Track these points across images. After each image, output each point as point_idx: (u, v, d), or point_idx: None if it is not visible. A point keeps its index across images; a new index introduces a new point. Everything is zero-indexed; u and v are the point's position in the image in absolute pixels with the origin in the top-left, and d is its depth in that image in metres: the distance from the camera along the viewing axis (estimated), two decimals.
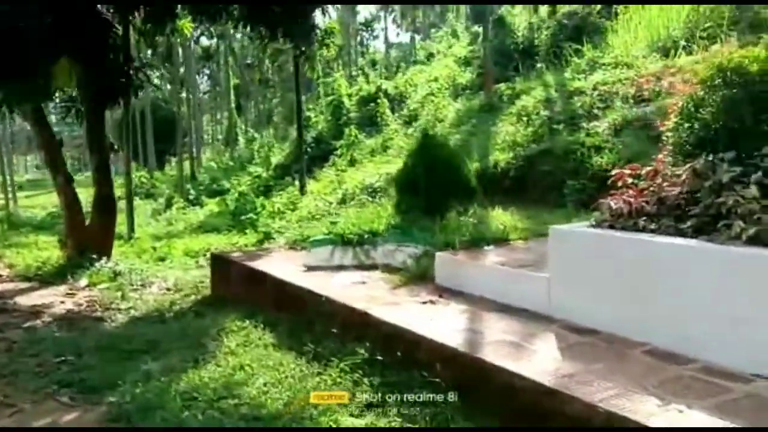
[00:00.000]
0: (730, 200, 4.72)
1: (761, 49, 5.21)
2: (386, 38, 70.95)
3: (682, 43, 13.24)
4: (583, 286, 5.54)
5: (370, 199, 12.09)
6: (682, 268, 4.76)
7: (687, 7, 14.54)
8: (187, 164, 37.13)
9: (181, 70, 43.14)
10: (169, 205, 27.30)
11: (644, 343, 4.98)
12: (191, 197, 27.85)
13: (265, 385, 5.61)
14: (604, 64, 14.26)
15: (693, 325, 4.64)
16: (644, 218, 5.38)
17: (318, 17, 12.86)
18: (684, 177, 5.10)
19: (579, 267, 5.61)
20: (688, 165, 5.13)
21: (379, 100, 23.09)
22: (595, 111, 11.65)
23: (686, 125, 5.45)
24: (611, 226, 5.55)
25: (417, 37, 63.30)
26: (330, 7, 14.62)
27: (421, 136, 9.71)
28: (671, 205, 5.32)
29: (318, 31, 13.33)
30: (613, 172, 5.96)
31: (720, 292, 4.50)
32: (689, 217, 5.06)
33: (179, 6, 12.03)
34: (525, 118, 12.73)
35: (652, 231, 5.23)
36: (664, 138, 5.87)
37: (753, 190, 4.69)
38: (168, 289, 10.62)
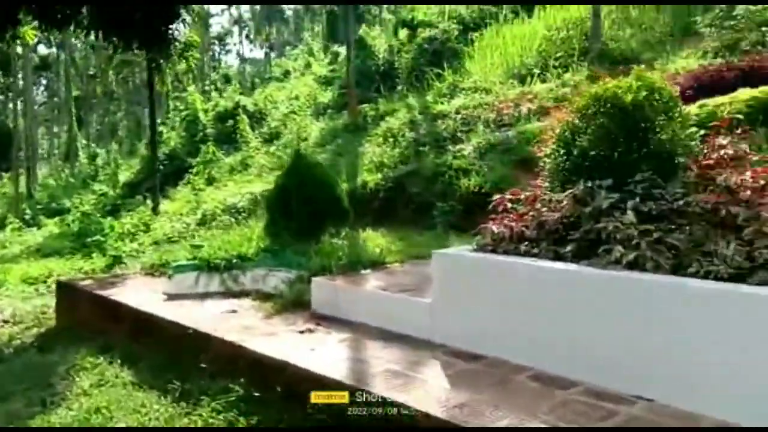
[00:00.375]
0: (610, 226, 4.86)
1: (633, 80, 5.45)
2: (240, 54, 69.75)
3: (536, 71, 13.94)
4: (466, 311, 5.52)
5: (234, 220, 11.61)
6: (564, 292, 4.85)
7: (540, 37, 15.39)
8: (22, 180, 34.25)
9: (18, 80, 39.89)
10: (2, 226, 24.98)
11: (529, 368, 5.01)
12: (27, 217, 25.65)
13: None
14: (464, 89, 14.72)
15: (575, 349, 4.71)
16: (525, 243, 5.45)
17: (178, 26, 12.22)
18: (564, 203, 5.21)
19: (462, 291, 5.59)
20: (568, 191, 5.25)
21: (238, 117, 22.49)
22: (459, 134, 11.93)
23: (563, 152, 5.59)
24: (493, 251, 5.58)
25: (272, 54, 62.85)
26: (188, 18, 13.99)
27: (293, 155, 9.44)
28: (551, 230, 5.43)
29: (177, 43, 12.69)
30: (495, 197, 6.02)
31: (600, 315, 4.61)
32: (569, 242, 5.18)
33: (22, 11, 10.98)
34: (391, 139, 12.82)
35: (534, 255, 5.30)
36: (541, 164, 6.00)
37: (630, 216, 4.86)
38: (5, 321, 9.56)
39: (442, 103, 14.02)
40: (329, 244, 8.12)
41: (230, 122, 22.59)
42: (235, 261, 8.24)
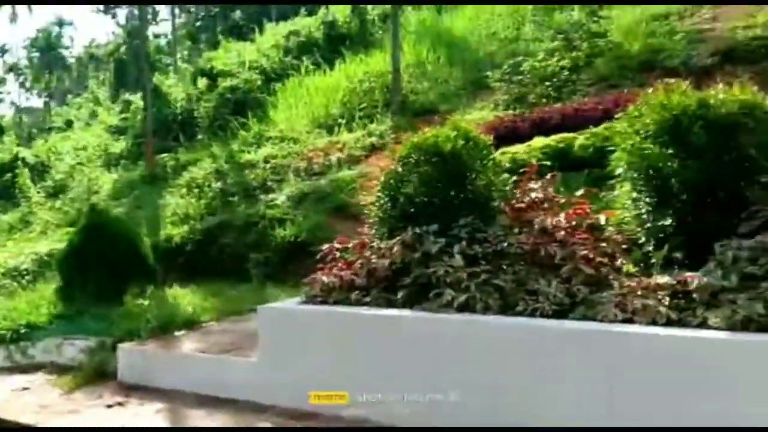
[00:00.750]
0: (440, 270, 4.93)
1: (450, 130, 5.66)
2: (15, 103, 64.18)
3: (341, 121, 14.22)
4: (298, 367, 5.28)
5: (17, 284, 10.38)
6: (400, 337, 4.81)
7: (343, 88, 15.77)
8: None
9: None
10: None
11: (367, 420, 4.87)
12: None
13: None
14: (270, 138, 14.61)
15: (420, 400, 4.66)
16: (356, 291, 5.37)
17: None
18: (394, 249, 5.22)
19: (292, 347, 5.36)
20: (396, 238, 5.26)
21: (17, 170, 20.46)
22: (270, 183, 11.75)
23: (389, 199, 5.63)
24: (324, 301, 5.43)
25: (52, 103, 58.61)
26: None
27: (87, 209, 8.66)
28: (381, 277, 5.40)
29: None
30: (324, 247, 5.88)
31: (438, 358, 4.61)
32: (400, 288, 5.18)
33: None
34: (196, 190, 12.31)
35: (366, 304, 5.23)
36: (366, 211, 6.00)
37: (458, 260, 4.98)
38: None
39: (248, 152, 13.78)
40: (134, 306, 7.48)
41: (8, 176, 20.50)
42: (23, 330, 7.31)
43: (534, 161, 7.55)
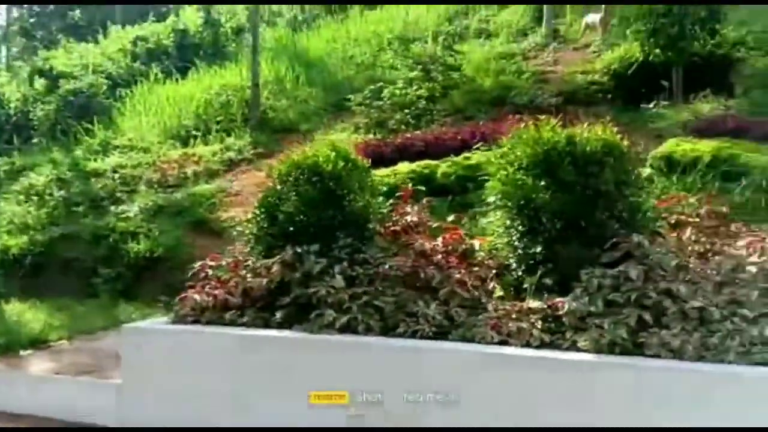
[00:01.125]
0: (322, 290, 4.93)
1: (329, 150, 5.69)
2: None
3: (196, 133, 13.78)
4: (166, 391, 5.04)
5: None
6: (280, 360, 4.75)
7: (197, 99, 15.30)
8: None
9: None
10: None
11: None
12: None
13: None
14: (118, 146, 13.86)
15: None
16: (230, 311, 5.24)
17: None
18: (274, 269, 5.14)
19: (160, 369, 5.10)
20: (276, 257, 5.20)
21: None
22: (119, 194, 11.13)
23: (266, 217, 5.55)
24: (196, 321, 5.24)
25: None
26: None
27: None
28: (257, 297, 5.31)
29: None
30: (197, 264, 5.67)
31: (320, 377, 4.60)
32: (278, 308, 5.11)
33: None
34: (36, 198, 11.39)
35: (242, 324, 5.11)
36: (240, 228, 5.88)
37: (339, 281, 5.00)
38: None
39: (94, 160, 12.97)
40: None
41: None
42: None
43: (401, 185, 7.74)
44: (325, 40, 18.03)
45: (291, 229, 5.41)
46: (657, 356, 4.01)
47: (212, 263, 5.67)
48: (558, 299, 4.48)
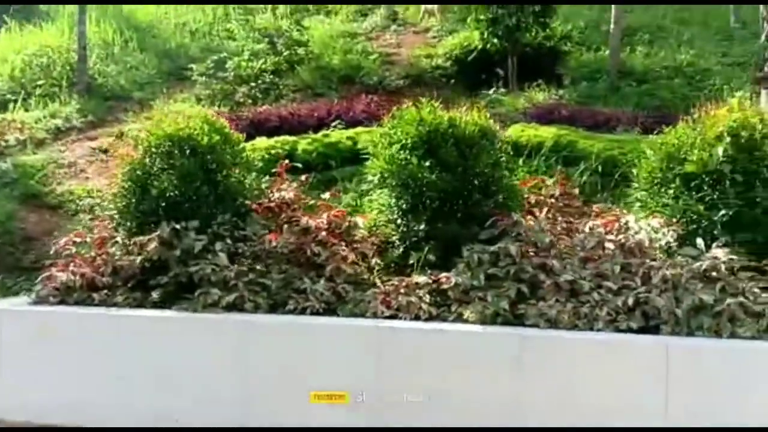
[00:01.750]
0: (207, 269, 4.78)
1: (201, 123, 5.47)
2: None
3: (12, 97, 12.53)
4: (29, 377, 4.65)
5: None
6: (163, 342, 4.57)
7: (11, 60, 13.87)
8: None
9: None
10: None
11: None
12: None
13: None
14: None
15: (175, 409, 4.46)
16: (100, 291, 4.93)
17: None
18: (151, 246, 4.89)
19: (22, 354, 4.70)
20: (152, 234, 4.94)
21: None
22: None
23: (136, 192, 5.25)
24: (62, 302, 4.87)
25: None
26: None
27: None
28: (127, 276, 5.04)
29: None
30: (60, 240, 5.24)
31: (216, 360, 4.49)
32: (155, 288, 4.90)
33: None
34: None
35: (113, 305, 4.84)
36: (108, 204, 5.51)
37: (223, 258, 4.88)
38: None
39: None
40: None
41: None
42: None
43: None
44: (154, 5, 17.10)
45: (164, 204, 5.16)
46: (536, 326, 4.36)
47: (76, 239, 5.27)
48: (443, 274, 4.70)
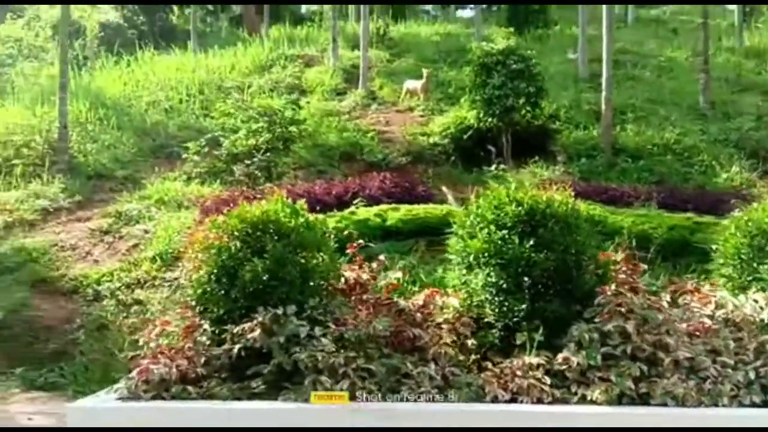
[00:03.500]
0: (318, 355, 4.59)
1: (280, 204, 5.35)
2: None
3: None
4: None
5: None
6: None
7: None
8: None
9: None
10: None
11: None
12: None
13: None
14: None
15: None
16: (197, 384, 4.66)
17: None
18: (253, 333, 4.67)
19: None
20: (252, 321, 4.73)
21: None
22: None
23: (222, 278, 5.04)
24: (157, 396, 4.57)
25: None
26: None
27: None
28: (220, 366, 4.80)
29: None
30: (153, 329, 4.94)
31: None
32: (250, 378, 4.67)
33: None
34: None
35: (212, 397, 4.58)
36: (190, 291, 5.26)
37: (329, 344, 4.71)
38: None
39: None
40: None
41: None
42: None
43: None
44: (123, 83, 16.91)
45: (254, 289, 4.98)
46: (663, 404, 4.36)
47: (160, 329, 4.99)
48: (560, 355, 4.66)
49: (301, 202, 5.61)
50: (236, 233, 5.21)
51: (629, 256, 6.03)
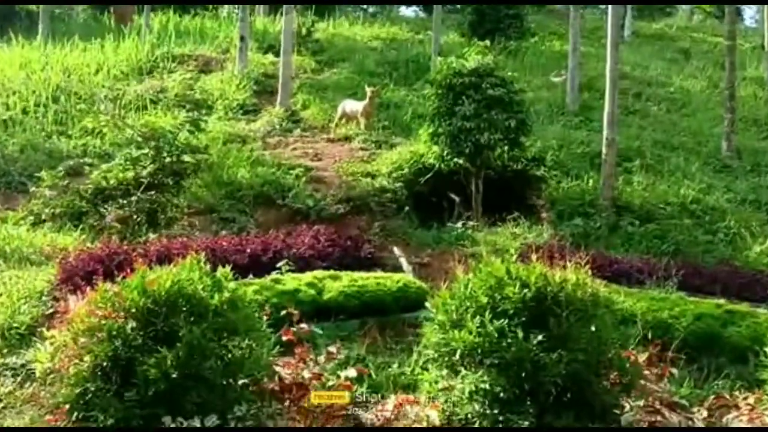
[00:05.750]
0: None
1: (199, 274, 5.28)
2: None
3: None
4: None
5: None
6: None
7: None
8: None
9: None
10: None
11: None
12: None
13: None
14: None
15: None
16: None
17: None
18: None
19: None
20: None
21: None
22: None
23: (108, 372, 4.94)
24: None
25: None
26: None
27: None
28: None
29: None
30: None
31: None
32: None
33: None
34: None
35: None
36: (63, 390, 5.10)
37: None
38: None
39: None
40: None
41: None
42: None
43: None
44: None
45: (156, 391, 4.88)
46: None
47: None
48: None
49: (226, 270, 5.57)
50: (135, 311, 5.13)
51: (653, 356, 6.24)
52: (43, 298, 8.45)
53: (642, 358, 6.26)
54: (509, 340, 5.09)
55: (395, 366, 7.07)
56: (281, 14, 17.27)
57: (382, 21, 25.55)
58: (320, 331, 7.16)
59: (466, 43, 18.71)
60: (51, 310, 8.16)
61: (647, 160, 13.67)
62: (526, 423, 5.05)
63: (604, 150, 12.29)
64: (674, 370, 6.29)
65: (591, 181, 12.60)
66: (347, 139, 14.24)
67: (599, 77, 15.82)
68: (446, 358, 5.36)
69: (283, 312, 6.20)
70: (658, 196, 12.27)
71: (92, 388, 4.96)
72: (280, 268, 8.79)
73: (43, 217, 11.51)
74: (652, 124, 15.76)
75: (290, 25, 16.48)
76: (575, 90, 16.29)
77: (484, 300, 5.27)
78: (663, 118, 16.15)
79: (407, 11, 34.44)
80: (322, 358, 5.73)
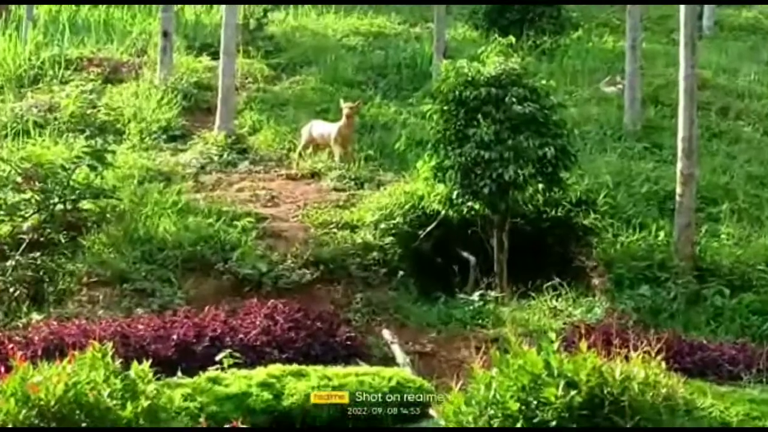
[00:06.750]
0: None
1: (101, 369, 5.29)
2: None
3: None
4: None
5: None
6: None
7: None
8: None
9: None
10: None
11: None
12: None
13: None
14: None
15: None
16: None
17: None
18: None
19: None
20: None
21: None
22: None
23: None
24: None
25: None
26: None
27: None
28: None
29: None
30: None
31: None
32: None
33: None
34: None
35: None
36: None
37: None
38: None
39: None
40: None
41: None
42: None
43: None
44: None
45: None
46: None
47: None
48: None
49: (144, 366, 5.57)
50: (14, 425, 5.12)
51: None
52: None
53: None
54: None
55: None
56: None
57: (363, 10, 24.83)
58: None
59: (482, 39, 18.85)
60: None
61: (739, 202, 13.70)
62: None
63: (678, 189, 12.30)
64: None
65: (662, 233, 12.61)
66: (315, 175, 14.32)
67: (669, 86, 15.93)
68: None
69: (227, 426, 6.17)
70: (757, 254, 12.28)
71: None
72: (221, 362, 8.76)
73: None
74: (744, 152, 15.80)
75: (233, 16, 16.50)
76: (636, 104, 16.35)
77: (515, 407, 5.28)
78: (760, 144, 16.19)
79: None
80: None
